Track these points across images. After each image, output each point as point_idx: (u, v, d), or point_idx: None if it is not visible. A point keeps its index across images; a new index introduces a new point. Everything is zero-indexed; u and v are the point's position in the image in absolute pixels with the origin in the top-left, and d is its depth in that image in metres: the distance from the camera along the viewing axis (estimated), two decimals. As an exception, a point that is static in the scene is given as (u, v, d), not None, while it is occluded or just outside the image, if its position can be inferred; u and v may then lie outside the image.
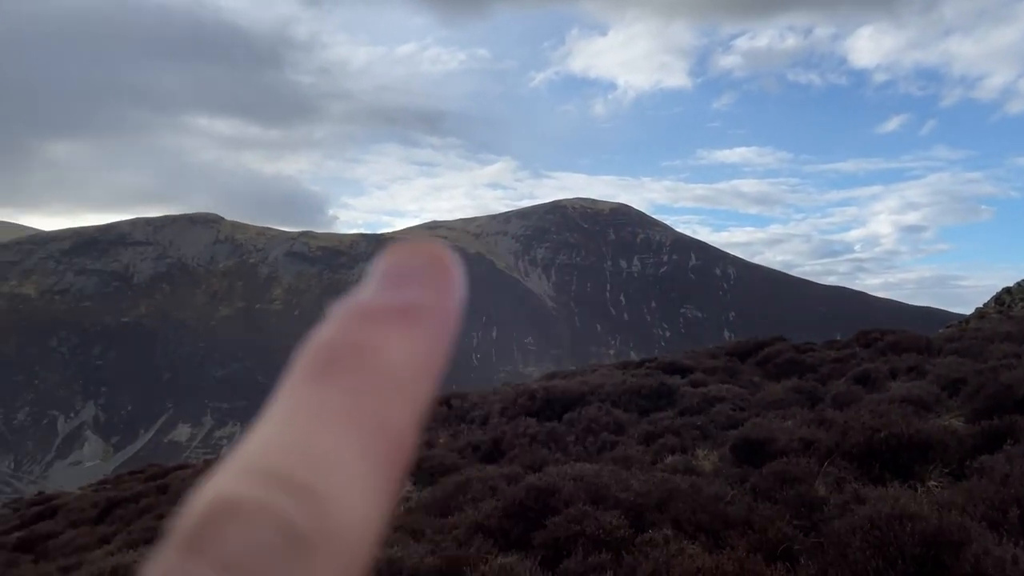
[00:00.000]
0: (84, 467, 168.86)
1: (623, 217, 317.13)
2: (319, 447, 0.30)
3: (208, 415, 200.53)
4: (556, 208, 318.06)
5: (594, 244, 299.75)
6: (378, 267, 0.35)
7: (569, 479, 7.60)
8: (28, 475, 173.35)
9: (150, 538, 11.16)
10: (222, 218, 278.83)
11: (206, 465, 19.87)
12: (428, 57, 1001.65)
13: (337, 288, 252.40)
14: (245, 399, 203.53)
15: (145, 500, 15.80)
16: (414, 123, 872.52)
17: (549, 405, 13.34)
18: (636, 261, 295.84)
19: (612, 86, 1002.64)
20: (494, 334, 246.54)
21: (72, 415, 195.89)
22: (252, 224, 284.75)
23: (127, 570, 7.48)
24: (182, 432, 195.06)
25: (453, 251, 0.35)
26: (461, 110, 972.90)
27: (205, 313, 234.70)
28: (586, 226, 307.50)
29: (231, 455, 0.31)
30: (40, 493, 30.85)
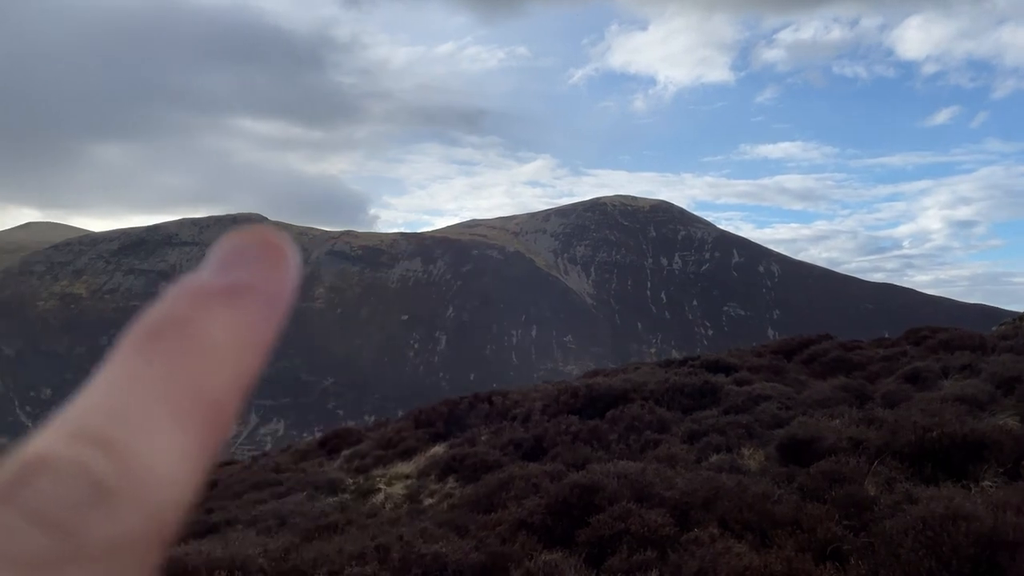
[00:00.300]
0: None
1: (664, 214, 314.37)
2: (130, 409, 0.32)
3: (252, 412, 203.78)
4: (596, 205, 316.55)
5: (634, 241, 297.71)
6: (213, 251, 0.37)
7: (613, 477, 7.58)
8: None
9: (200, 531, 11.37)
10: (265, 218, 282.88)
11: (253, 461, 20.19)
12: (467, 56, 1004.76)
13: (378, 286, 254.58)
14: (289, 396, 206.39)
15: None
16: (454, 122, 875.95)
17: (591, 403, 13.30)
18: (677, 258, 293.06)
19: (652, 81, 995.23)
20: (533, 332, 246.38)
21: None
22: (295, 224, 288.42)
23: (180, 561, 7.65)
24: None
25: (288, 237, 0.37)
26: (500, 108, 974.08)
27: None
28: (626, 223, 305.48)
29: (52, 419, 0.33)
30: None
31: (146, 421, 0.32)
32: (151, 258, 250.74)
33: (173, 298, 0.36)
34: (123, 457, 0.31)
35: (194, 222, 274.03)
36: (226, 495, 15.31)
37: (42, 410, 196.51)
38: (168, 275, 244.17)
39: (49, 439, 0.32)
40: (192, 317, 0.34)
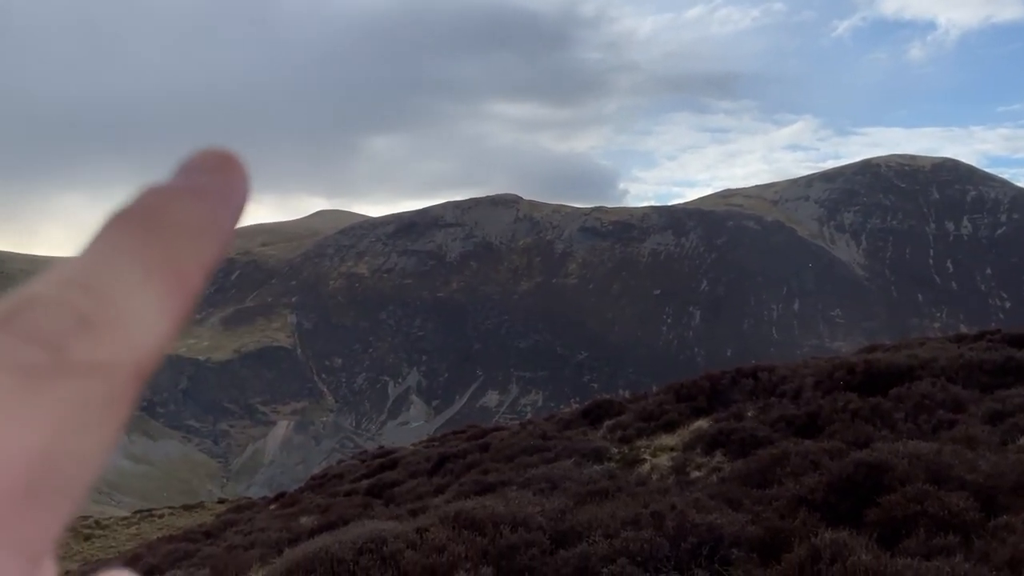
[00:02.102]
0: (410, 427, 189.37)
1: (949, 173, 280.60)
2: (110, 267, 0.38)
3: (513, 383, 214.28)
4: (867, 167, 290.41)
5: (913, 205, 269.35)
6: (179, 163, 0.43)
7: (903, 456, 7.07)
8: (366, 432, 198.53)
9: (479, 490, 12.29)
10: (520, 198, 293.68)
11: (521, 428, 21.32)
12: (718, 18, 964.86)
13: (630, 261, 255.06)
14: (546, 369, 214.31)
15: (470, 456, 17.38)
16: (704, 88, 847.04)
17: (870, 380, 12.40)
18: (966, 222, 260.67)
19: (931, 26, 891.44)
20: (796, 306, 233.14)
21: (400, 380, 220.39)
22: (547, 202, 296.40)
23: (469, 514, 8.34)
24: (491, 398, 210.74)
25: (240, 154, 0.43)
26: (754, 70, 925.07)
27: (508, 288, 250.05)
28: (903, 186, 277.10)
29: (42, 273, 0.38)
30: (381, 447, 35.33)
31: (123, 276, 0.38)
32: (421, 239, 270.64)
33: (145, 194, 0.41)
34: (103, 299, 0.37)
35: (456, 204, 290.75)
36: (499, 458, 16.35)
37: (334, 377, 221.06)
38: (436, 255, 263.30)
39: (40, 284, 0.37)
40: (161, 207, 0.40)
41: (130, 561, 18.40)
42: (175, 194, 0.41)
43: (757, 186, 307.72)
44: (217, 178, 0.42)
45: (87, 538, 28.82)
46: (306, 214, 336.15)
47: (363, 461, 26.48)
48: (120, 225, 0.40)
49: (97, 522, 32.26)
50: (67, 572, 19.43)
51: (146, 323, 0.38)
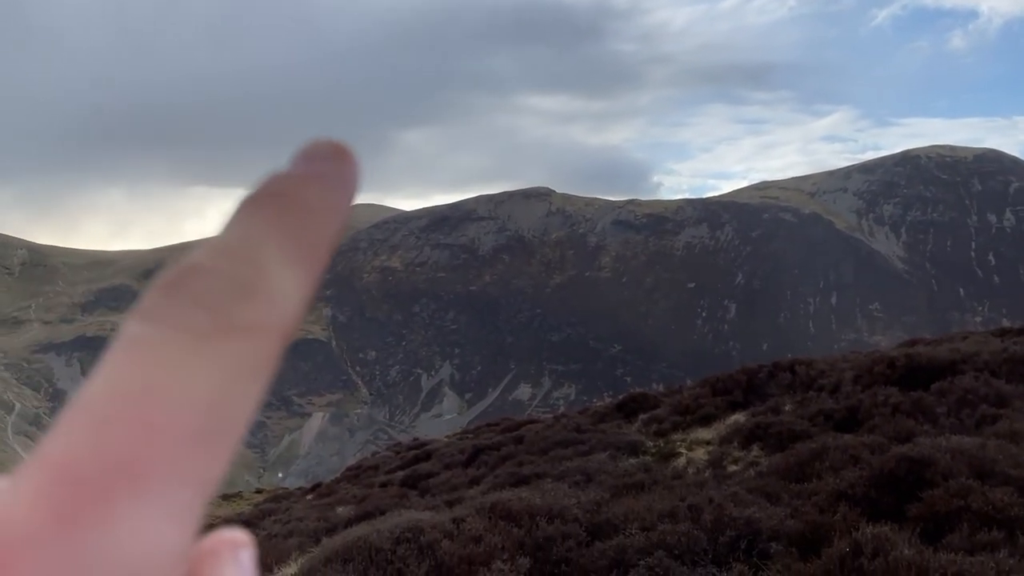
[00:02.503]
0: (444, 419, 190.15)
1: (992, 164, 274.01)
2: (254, 242, 0.42)
3: (546, 376, 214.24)
4: (906, 159, 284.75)
5: (955, 197, 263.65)
6: (296, 151, 0.47)
7: (945, 451, 6.97)
8: (399, 424, 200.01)
9: (514, 482, 12.35)
10: (553, 191, 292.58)
11: (555, 421, 21.34)
12: (753, 8, 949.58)
13: (664, 254, 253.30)
14: (579, 362, 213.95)
15: (505, 449, 17.43)
16: (739, 79, 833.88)
17: (911, 374, 12.21)
18: (1009, 214, 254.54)
19: (973, 14, 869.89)
20: (833, 300, 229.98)
21: (433, 373, 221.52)
22: (580, 195, 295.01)
23: (505, 506, 8.39)
24: (524, 391, 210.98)
25: (350, 143, 0.48)
26: (791, 60, 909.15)
27: (540, 281, 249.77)
28: (944, 177, 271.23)
29: (199, 244, 0.43)
30: (415, 439, 35.53)
31: (268, 250, 0.42)
32: (454, 233, 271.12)
33: (271, 179, 0.45)
34: (256, 270, 0.41)
35: (489, 198, 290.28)
36: (533, 451, 16.39)
37: (368, 369, 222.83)
38: (469, 248, 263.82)
39: (199, 255, 0.42)
40: (289, 191, 0.45)
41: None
42: (299, 179, 0.45)
43: (794, 178, 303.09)
44: (333, 165, 0.46)
45: (130, 525, 29.40)
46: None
47: (397, 453, 26.57)
48: (255, 206, 0.44)
49: (139, 510, 32.89)
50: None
51: (291, 292, 0.43)
